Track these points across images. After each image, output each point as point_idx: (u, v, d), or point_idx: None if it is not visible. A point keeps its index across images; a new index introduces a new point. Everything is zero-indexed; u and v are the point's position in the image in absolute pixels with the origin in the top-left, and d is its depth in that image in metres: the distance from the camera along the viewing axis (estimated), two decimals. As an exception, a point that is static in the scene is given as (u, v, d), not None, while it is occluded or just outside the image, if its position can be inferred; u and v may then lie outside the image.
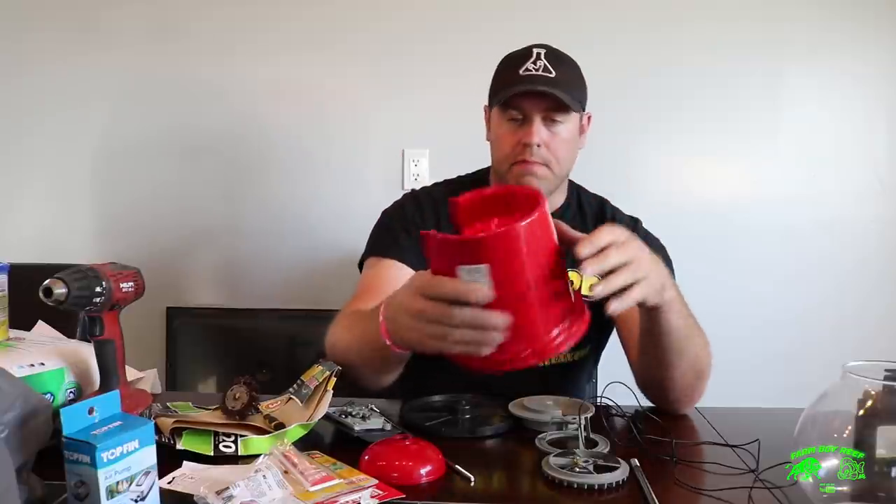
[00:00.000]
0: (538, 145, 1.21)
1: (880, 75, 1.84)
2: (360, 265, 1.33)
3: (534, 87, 1.19)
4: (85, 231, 1.99)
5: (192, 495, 0.79)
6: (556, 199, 1.33)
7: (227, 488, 0.77)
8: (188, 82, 1.93)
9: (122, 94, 1.95)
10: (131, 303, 1.04)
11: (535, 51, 1.23)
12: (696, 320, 1.09)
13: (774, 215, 1.87)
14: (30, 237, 1.99)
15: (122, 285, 1.00)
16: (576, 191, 1.39)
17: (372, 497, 0.82)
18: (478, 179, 1.37)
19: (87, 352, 1.07)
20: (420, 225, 1.28)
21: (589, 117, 1.33)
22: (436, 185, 1.40)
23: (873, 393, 0.76)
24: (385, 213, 1.36)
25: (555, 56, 1.24)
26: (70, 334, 1.26)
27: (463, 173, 1.40)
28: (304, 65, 1.90)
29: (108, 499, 0.71)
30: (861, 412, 0.76)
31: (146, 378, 1.16)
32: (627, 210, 1.87)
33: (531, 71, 1.21)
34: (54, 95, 1.96)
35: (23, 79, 1.97)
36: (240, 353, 1.86)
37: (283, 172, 1.94)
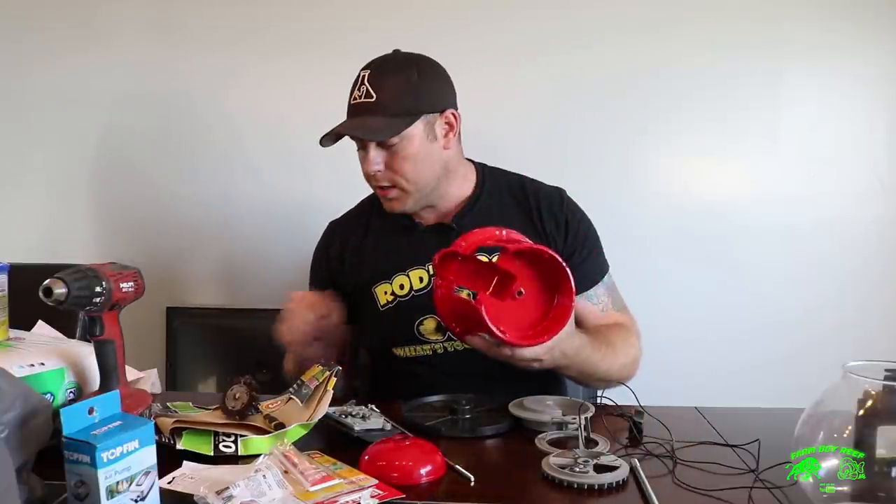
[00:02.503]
0: (377, 172, 1.26)
1: (880, 75, 1.84)
2: None
3: (341, 127, 1.24)
4: (85, 231, 1.99)
5: (192, 495, 0.79)
6: (456, 191, 1.35)
7: (227, 488, 0.77)
8: (188, 81, 1.93)
9: (122, 93, 1.95)
10: (131, 303, 1.04)
11: (361, 74, 1.26)
12: (609, 348, 1.21)
13: (774, 215, 1.87)
14: (30, 237, 1.99)
15: (122, 285, 1.00)
16: (488, 175, 1.38)
17: (372, 497, 0.82)
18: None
19: (87, 352, 1.07)
20: (331, 255, 1.42)
21: (454, 114, 1.29)
22: (350, 210, 1.48)
23: (873, 393, 0.76)
24: (313, 257, 1.46)
25: (381, 73, 1.23)
26: (70, 334, 1.27)
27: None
28: (304, 64, 1.90)
29: (108, 499, 0.71)
30: (861, 412, 0.76)
31: (146, 378, 1.16)
32: (629, 209, 1.88)
33: (357, 99, 1.25)
34: (54, 95, 1.96)
35: (22, 78, 1.96)
36: (240, 353, 1.86)
37: (283, 172, 1.94)
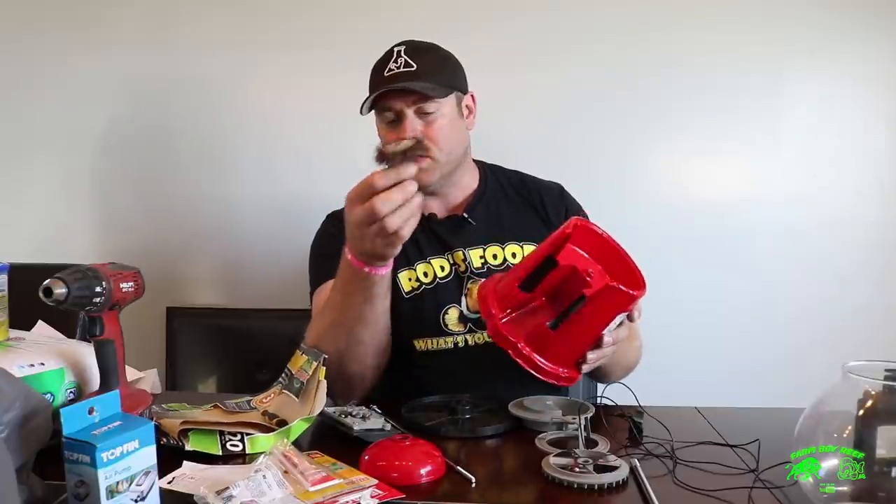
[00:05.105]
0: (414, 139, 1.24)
1: (880, 76, 1.84)
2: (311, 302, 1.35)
3: (394, 85, 1.23)
4: (85, 231, 1.99)
5: (192, 495, 0.79)
6: (467, 182, 1.39)
7: (227, 488, 0.77)
8: (188, 81, 1.93)
9: (122, 93, 1.95)
10: (131, 303, 1.04)
11: (395, 49, 1.28)
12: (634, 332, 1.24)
13: (774, 215, 1.87)
14: (30, 237, 1.99)
15: (122, 285, 1.00)
16: (489, 171, 1.44)
17: (372, 497, 0.82)
18: None
19: (87, 352, 1.07)
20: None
21: (472, 96, 1.36)
22: None
23: (873, 393, 0.76)
24: (314, 247, 1.40)
25: (415, 49, 1.27)
26: (70, 334, 1.26)
27: None
28: (303, 64, 1.90)
29: (108, 499, 0.71)
30: (861, 412, 0.76)
31: (146, 378, 1.16)
32: (628, 209, 1.87)
33: (393, 70, 1.26)
34: (54, 95, 1.96)
35: (22, 78, 1.96)
36: (240, 353, 1.86)
37: (283, 172, 1.93)
